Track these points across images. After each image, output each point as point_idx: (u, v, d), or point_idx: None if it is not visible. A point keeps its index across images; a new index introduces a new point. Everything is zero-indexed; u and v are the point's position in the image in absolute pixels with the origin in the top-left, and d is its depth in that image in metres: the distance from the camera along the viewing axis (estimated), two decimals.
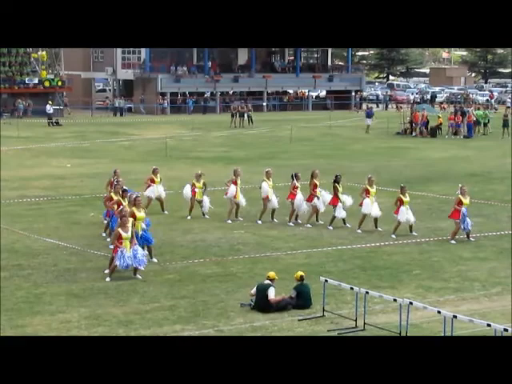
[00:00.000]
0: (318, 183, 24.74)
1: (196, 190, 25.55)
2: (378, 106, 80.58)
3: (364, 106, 79.71)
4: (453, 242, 22.65)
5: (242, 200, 25.35)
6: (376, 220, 24.02)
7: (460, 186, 23.22)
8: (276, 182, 26.57)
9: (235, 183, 25.18)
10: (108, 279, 18.63)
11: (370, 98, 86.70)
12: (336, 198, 24.49)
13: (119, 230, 18.65)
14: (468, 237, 23.04)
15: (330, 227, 24.33)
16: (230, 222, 25.00)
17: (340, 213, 24.37)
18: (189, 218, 25.50)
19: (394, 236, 23.19)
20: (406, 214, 23.27)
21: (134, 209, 19.94)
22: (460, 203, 22.67)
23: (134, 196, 20.82)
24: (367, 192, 23.93)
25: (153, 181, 26.17)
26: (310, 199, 24.70)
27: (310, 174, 24.96)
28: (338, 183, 24.66)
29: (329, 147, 47.41)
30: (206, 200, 25.79)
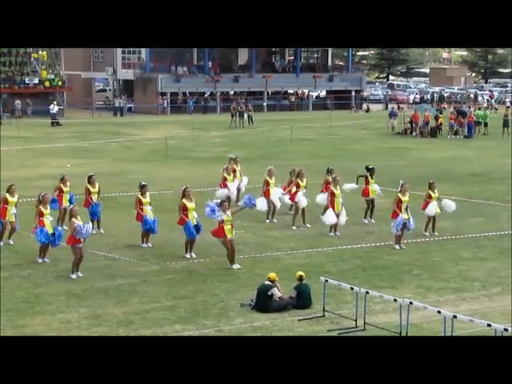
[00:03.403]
0: (300, 183, 24.63)
1: (270, 188, 25.00)
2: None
3: (364, 106, 79.94)
4: (397, 247, 21.92)
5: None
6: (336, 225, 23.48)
7: (401, 182, 22.48)
8: (276, 182, 26.52)
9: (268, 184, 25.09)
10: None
11: (371, 97, 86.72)
12: (367, 190, 24.92)
13: (41, 207, 20.38)
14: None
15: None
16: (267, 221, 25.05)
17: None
18: (267, 221, 25.10)
19: (426, 233, 23.26)
20: (434, 210, 23.25)
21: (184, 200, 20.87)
22: (399, 202, 21.89)
23: (184, 187, 21.19)
24: (328, 189, 23.74)
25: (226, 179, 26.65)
26: (292, 197, 24.74)
27: (296, 173, 25.04)
28: (372, 176, 24.99)
29: (329, 147, 47.39)
30: (279, 192, 25.24)
